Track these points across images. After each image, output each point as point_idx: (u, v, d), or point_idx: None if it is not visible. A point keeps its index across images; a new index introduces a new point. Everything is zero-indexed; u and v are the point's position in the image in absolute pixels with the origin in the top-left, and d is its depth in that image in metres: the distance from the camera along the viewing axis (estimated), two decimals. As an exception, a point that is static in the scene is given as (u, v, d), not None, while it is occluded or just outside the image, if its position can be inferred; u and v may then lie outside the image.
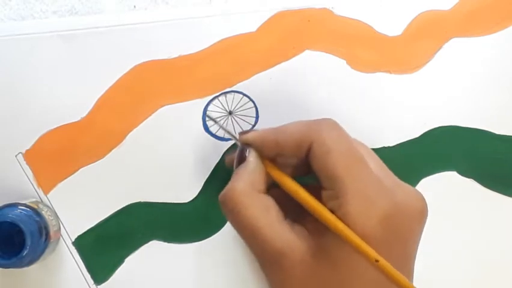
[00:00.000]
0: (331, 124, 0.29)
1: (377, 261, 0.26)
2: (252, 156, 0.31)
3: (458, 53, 0.38)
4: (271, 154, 0.30)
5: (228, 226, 0.37)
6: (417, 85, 0.38)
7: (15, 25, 0.37)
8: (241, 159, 0.31)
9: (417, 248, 0.29)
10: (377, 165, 0.30)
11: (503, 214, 0.38)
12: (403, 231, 0.28)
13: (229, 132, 0.32)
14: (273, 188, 0.31)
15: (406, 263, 0.29)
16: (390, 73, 0.38)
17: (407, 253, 0.29)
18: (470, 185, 0.38)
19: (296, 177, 0.30)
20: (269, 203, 0.29)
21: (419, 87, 0.38)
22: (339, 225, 0.27)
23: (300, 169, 0.30)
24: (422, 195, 0.30)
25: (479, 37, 0.38)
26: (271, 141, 0.30)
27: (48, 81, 0.36)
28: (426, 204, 0.29)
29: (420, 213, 0.29)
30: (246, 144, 0.31)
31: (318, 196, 0.29)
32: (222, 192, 0.30)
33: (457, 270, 0.38)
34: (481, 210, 0.38)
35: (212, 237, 0.37)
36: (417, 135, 0.38)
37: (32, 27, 0.37)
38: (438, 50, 0.38)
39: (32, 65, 0.36)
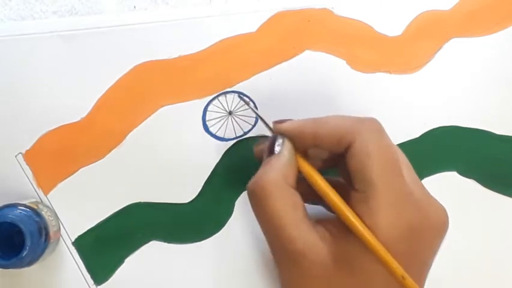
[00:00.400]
0: (375, 126, 0.28)
1: (403, 278, 0.26)
2: (286, 149, 0.29)
3: (458, 53, 0.38)
4: (307, 146, 0.29)
5: (227, 226, 0.37)
6: (417, 85, 0.38)
7: (15, 25, 0.37)
8: (272, 150, 0.30)
9: (433, 261, 0.29)
10: (409, 175, 0.29)
11: (503, 214, 0.38)
12: (424, 244, 0.28)
13: (262, 119, 0.31)
14: (299, 182, 0.30)
15: (422, 274, 0.29)
16: (391, 73, 0.38)
17: (425, 264, 0.29)
18: (471, 185, 0.38)
19: (322, 170, 0.30)
20: (297, 199, 0.29)
21: (419, 87, 0.38)
22: (368, 236, 0.26)
23: (328, 162, 0.30)
24: (445, 210, 0.30)
25: (479, 37, 0.38)
26: (310, 133, 0.29)
27: (48, 81, 0.36)
28: (448, 219, 0.29)
29: (442, 227, 0.29)
30: (280, 134, 0.30)
31: (344, 193, 0.28)
32: (252, 180, 0.29)
33: (457, 271, 0.38)
34: (481, 210, 0.38)
35: (212, 237, 0.37)
36: (417, 136, 0.38)
37: (32, 28, 0.36)
38: (439, 50, 0.38)
39: (32, 65, 0.36)
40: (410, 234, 0.27)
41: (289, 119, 0.31)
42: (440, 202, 0.37)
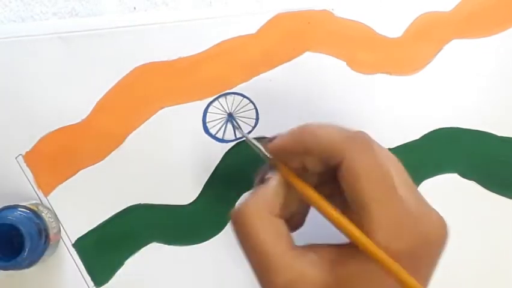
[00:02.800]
0: (365, 143, 0.27)
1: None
2: (275, 179, 0.29)
3: (459, 55, 0.38)
4: (301, 156, 0.28)
5: (227, 228, 0.37)
6: (417, 87, 0.38)
7: (16, 27, 0.37)
8: (262, 179, 0.29)
9: (434, 272, 0.28)
10: (405, 187, 0.27)
11: (504, 216, 0.38)
12: (425, 261, 0.27)
13: (257, 146, 0.31)
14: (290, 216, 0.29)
15: (423, 284, 0.28)
16: (391, 75, 0.38)
17: (426, 277, 0.28)
18: (472, 187, 0.38)
19: (320, 186, 0.29)
20: (282, 228, 0.27)
21: (420, 88, 0.38)
22: (375, 250, 0.25)
23: (325, 176, 0.29)
24: (444, 221, 0.28)
25: (480, 39, 0.38)
26: (300, 146, 0.28)
27: (48, 83, 0.36)
28: (447, 230, 0.28)
29: (442, 241, 0.28)
30: (272, 162, 0.29)
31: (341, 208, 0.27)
32: (234, 209, 0.28)
33: (458, 272, 0.38)
34: (482, 212, 0.38)
35: (212, 239, 0.37)
36: (418, 137, 0.38)
37: (32, 29, 0.37)
38: (439, 51, 0.38)
39: (32, 66, 0.36)
40: (409, 254, 0.26)
41: (278, 135, 0.29)
42: (441, 204, 0.37)
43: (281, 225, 0.28)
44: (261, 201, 0.28)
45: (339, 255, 0.26)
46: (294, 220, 0.29)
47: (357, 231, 0.26)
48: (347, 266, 0.26)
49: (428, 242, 0.27)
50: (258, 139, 0.35)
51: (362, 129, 0.36)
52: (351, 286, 0.26)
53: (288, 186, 0.29)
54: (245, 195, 0.29)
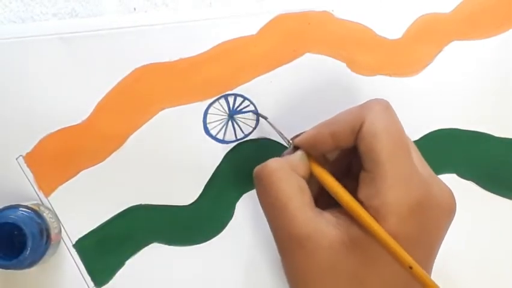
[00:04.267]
0: (384, 106, 0.29)
1: (410, 267, 0.26)
2: (299, 151, 0.30)
3: (459, 56, 0.38)
4: (328, 149, 0.30)
5: (228, 228, 0.37)
6: (417, 88, 0.38)
7: (16, 27, 0.37)
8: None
9: (440, 245, 0.29)
10: (416, 155, 0.30)
11: (502, 216, 0.38)
12: (432, 223, 0.28)
13: (281, 134, 0.33)
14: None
15: (430, 257, 0.29)
16: (391, 76, 0.38)
17: (432, 248, 0.29)
18: (470, 187, 0.38)
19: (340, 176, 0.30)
20: (304, 186, 0.29)
21: (420, 90, 0.38)
22: (375, 227, 0.26)
23: (342, 168, 0.30)
24: (451, 192, 0.30)
25: (480, 40, 0.38)
26: (327, 135, 0.29)
27: (48, 83, 0.36)
28: (455, 201, 0.29)
29: (449, 209, 0.29)
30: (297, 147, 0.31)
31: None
32: (259, 166, 0.29)
33: (457, 273, 0.38)
34: (480, 212, 0.38)
35: (213, 240, 0.37)
36: (417, 138, 0.38)
37: (32, 30, 0.36)
38: (439, 53, 0.38)
39: (33, 67, 0.36)
40: (418, 211, 0.27)
41: (304, 132, 0.31)
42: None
43: (303, 183, 0.29)
44: (285, 161, 0.29)
45: (353, 219, 0.27)
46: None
47: (369, 217, 0.27)
48: (359, 227, 0.27)
49: (436, 203, 0.28)
50: (259, 140, 0.36)
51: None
52: (363, 244, 0.27)
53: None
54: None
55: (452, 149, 0.38)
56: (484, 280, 0.38)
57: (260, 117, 0.36)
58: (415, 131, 0.38)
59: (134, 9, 0.37)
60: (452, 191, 0.38)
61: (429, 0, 0.38)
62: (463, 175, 0.38)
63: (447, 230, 0.29)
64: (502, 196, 0.38)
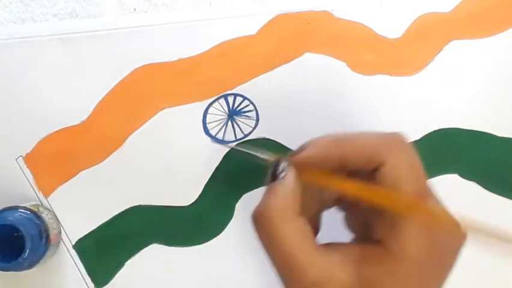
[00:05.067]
0: (404, 145, 0.27)
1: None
2: (291, 175, 0.28)
3: (459, 55, 0.38)
4: (331, 169, 0.27)
5: (228, 229, 0.37)
6: (417, 87, 0.38)
7: (16, 28, 0.37)
8: (275, 175, 0.28)
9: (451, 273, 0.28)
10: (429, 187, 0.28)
11: (504, 217, 0.38)
12: (447, 254, 0.27)
13: (256, 155, 0.30)
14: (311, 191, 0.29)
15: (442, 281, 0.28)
16: (391, 75, 0.38)
17: (445, 277, 0.28)
18: (472, 188, 0.38)
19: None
20: (306, 227, 0.27)
21: (420, 89, 0.38)
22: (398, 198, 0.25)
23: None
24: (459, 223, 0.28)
25: (480, 39, 0.38)
26: (336, 157, 0.27)
27: (48, 84, 0.36)
28: (465, 232, 0.28)
29: (462, 241, 0.28)
30: (283, 159, 0.28)
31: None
32: (257, 209, 0.27)
33: (458, 273, 0.38)
34: (482, 212, 0.38)
35: (212, 240, 0.37)
36: (418, 138, 0.38)
37: (32, 30, 0.37)
38: (439, 52, 0.38)
39: (32, 68, 0.36)
40: (436, 248, 0.26)
41: (303, 148, 0.28)
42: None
43: (304, 224, 0.27)
44: (281, 200, 0.27)
45: (364, 256, 0.26)
46: (312, 222, 0.28)
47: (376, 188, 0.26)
48: (373, 267, 0.26)
49: (449, 244, 0.27)
50: (259, 140, 0.35)
51: (361, 130, 0.36)
52: (377, 284, 0.25)
53: (303, 184, 0.28)
54: (263, 194, 0.28)
55: (453, 149, 0.38)
56: (484, 280, 0.38)
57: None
58: (416, 130, 0.38)
59: (134, 9, 0.37)
60: (454, 191, 0.38)
61: (429, 0, 0.38)
62: (465, 175, 0.38)
63: (458, 257, 0.28)
64: (504, 196, 0.38)
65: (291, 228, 0.26)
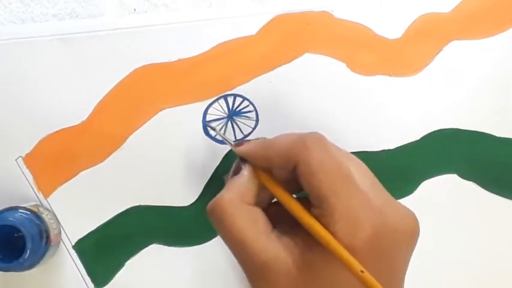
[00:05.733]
0: (316, 141, 0.28)
1: (362, 271, 0.25)
2: (246, 170, 0.30)
3: (459, 56, 0.38)
4: (264, 167, 0.30)
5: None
6: (417, 88, 0.38)
7: (16, 28, 0.37)
8: (237, 170, 0.31)
9: (406, 268, 0.29)
10: (367, 182, 0.29)
11: (503, 217, 0.38)
12: (392, 250, 0.27)
13: (227, 141, 0.33)
14: (269, 205, 0.31)
15: (392, 282, 0.28)
16: (390, 76, 0.38)
17: (395, 272, 0.28)
18: (471, 188, 0.38)
19: (294, 192, 0.30)
20: (257, 214, 0.29)
21: (419, 90, 0.38)
22: (327, 237, 0.26)
23: (293, 183, 0.30)
24: (414, 215, 0.29)
25: (479, 40, 0.38)
26: (262, 156, 0.30)
27: (48, 84, 0.36)
28: (418, 225, 0.29)
29: (411, 234, 0.28)
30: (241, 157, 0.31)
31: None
32: (210, 202, 0.30)
33: (458, 273, 0.38)
34: (481, 213, 0.38)
35: (212, 240, 0.37)
36: (417, 138, 0.38)
37: (32, 31, 0.37)
38: (439, 52, 0.38)
39: (32, 68, 0.36)
40: (373, 242, 0.26)
41: (246, 140, 0.32)
42: (441, 204, 0.37)
43: (255, 211, 0.29)
44: (233, 192, 0.29)
45: (308, 241, 0.27)
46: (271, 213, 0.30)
47: (304, 214, 0.27)
48: (312, 251, 0.27)
49: (393, 233, 0.27)
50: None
51: (360, 131, 0.36)
52: (316, 268, 0.27)
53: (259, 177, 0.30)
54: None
55: (452, 149, 0.38)
56: (485, 281, 0.38)
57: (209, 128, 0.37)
58: (415, 131, 0.38)
59: (134, 10, 0.37)
60: (453, 191, 0.38)
61: (428, 0, 0.37)
62: (464, 175, 0.38)
63: (410, 254, 0.29)
64: (503, 196, 0.38)
65: (239, 215, 0.28)
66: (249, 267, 0.28)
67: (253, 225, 0.28)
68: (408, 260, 0.29)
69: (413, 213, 0.29)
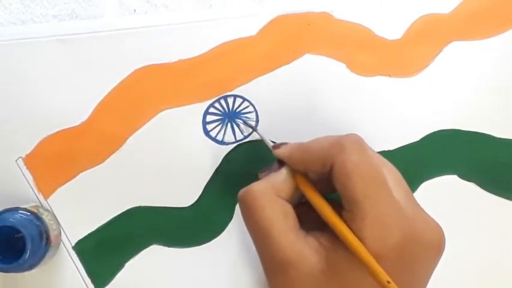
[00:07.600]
0: (354, 143, 0.28)
1: (388, 282, 0.25)
2: (285, 169, 0.30)
3: (458, 57, 0.38)
4: (301, 170, 0.30)
5: (228, 230, 0.37)
6: (417, 89, 0.38)
7: (15, 29, 0.37)
8: (274, 170, 0.31)
9: (428, 280, 0.29)
10: (400, 190, 0.28)
11: (503, 218, 0.38)
12: (416, 261, 0.27)
13: (267, 143, 0.33)
14: (299, 205, 0.31)
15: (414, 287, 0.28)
16: (390, 77, 0.38)
17: (418, 283, 0.28)
18: (471, 189, 0.38)
19: (325, 194, 0.30)
20: (288, 209, 0.29)
21: (419, 90, 0.38)
22: (355, 243, 0.26)
23: (328, 185, 0.29)
24: (442, 230, 0.29)
25: (480, 40, 0.38)
26: (298, 159, 0.30)
27: (48, 85, 0.36)
28: (444, 238, 0.29)
29: (437, 246, 0.28)
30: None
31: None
32: (242, 189, 0.29)
33: (458, 273, 0.38)
34: (481, 213, 0.38)
35: (212, 241, 0.37)
36: (417, 139, 0.38)
37: (32, 31, 0.37)
38: (439, 53, 0.38)
39: (32, 69, 0.36)
40: (400, 250, 0.26)
41: (284, 144, 0.32)
42: (441, 205, 0.37)
43: (286, 206, 0.29)
44: (269, 184, 0.29)
45: (334, 243, 0.27)
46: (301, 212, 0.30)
47: (347, 231, 0.27)
48: (337, 253, 0.27)
49: (420, 241, 0.27)
50: (259, 141, 0.36)
51: (360, 132, 0.36)
52: (340, 271, 0.27)
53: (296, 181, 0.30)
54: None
55: (452, 150, 0.38)
56: (485, 281, 0.38)
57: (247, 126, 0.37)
58: (415, 131, 0.38)
59: (134, 10, 0.37)
60: (453, 192, 0.38)
61: (428, 0, 0.38)
62: (464, 176, 0.38)
63: (435, 266, 0.29)
64: (503, 197, 0.38)
65: (270, 208, 0.28)
66: (270, 260, 0.28)
67: (283, 219, 0.28)
68: (431, 274, 0.28)
69: (441, 228, 0.29)
